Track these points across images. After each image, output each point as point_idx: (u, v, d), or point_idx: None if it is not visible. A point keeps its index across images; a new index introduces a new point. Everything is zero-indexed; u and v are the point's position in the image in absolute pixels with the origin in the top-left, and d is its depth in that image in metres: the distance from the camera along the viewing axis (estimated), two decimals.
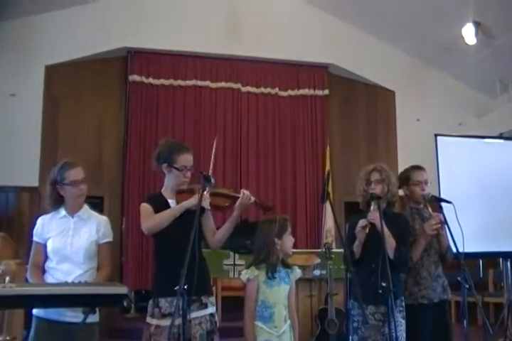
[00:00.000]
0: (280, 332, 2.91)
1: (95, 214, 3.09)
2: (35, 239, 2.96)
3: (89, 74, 7.67)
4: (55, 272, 2.88)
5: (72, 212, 2.99)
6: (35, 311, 2.85)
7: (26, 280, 2.95)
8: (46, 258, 2.93)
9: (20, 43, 7.24)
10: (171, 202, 2.91)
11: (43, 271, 2.93)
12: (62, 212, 2.98)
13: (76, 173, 2.95)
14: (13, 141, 7.02)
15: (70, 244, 2.90)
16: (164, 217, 2.77)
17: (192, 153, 2.96)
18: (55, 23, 7.40)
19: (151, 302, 2.82)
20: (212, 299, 2.89)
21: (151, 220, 2.80)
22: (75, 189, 2.94)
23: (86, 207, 3.06)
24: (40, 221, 3.00)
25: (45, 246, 2.92)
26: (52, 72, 7.43)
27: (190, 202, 2.74)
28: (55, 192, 2.96)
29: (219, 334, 2.83)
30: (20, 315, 4.32)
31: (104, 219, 3.09)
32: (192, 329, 2.69)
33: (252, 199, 2.85)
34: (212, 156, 3.13)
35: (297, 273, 3.10)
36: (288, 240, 3.04)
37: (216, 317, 2.86)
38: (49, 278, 2.88)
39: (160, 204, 2.90)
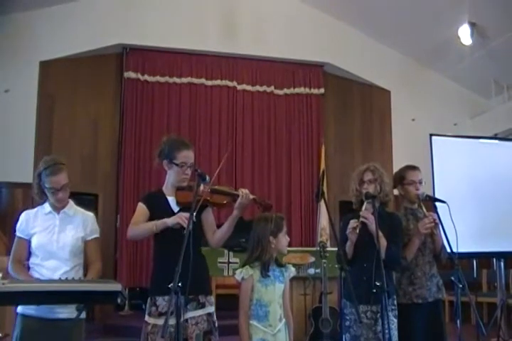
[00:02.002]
0: (275, 330, 2.91)
1: (81, 210, 3.06)
2: (18, 234, 2.93)
3: (85, 70, 7.64)
4: (40, 268, 2.85)
5: (57, 208, 2.96)
6: (19, 309, 2.82)
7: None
8: (29, 254, 2.90)
9: (15, 39, 7.20)
10: (171, 199, 2.91)
11: (27, 268, 2.90)
12: (48, 207, 2.95)
13: (56, 181, 2.86)
14: (7, 137, 6.99)
15: (55, 240, 2.88)
16: (144, 230, 2.80)
17: (193, 150, 2.96)
18: (50, 18, 7.36)
19: (148, 300, 2.81)
20: (211, 298, 2.86)
21: (132, 229, 2.83)
22: (53, 197, 2.90)
23: (71, 202, 3.03)
24: (24, 216, 2.96)
25: (28, 241, 2.90)
26: (46, 68, 7.40)
27: (173, 220, 2.69)
28: (40, 187, 2.92)
29: (217, 334, 2.81)
30: (12, 312, 4.31)
31: (90, 215, 3.07)
32: (188, 329, 2.68)
33: (252, 197, 2.83)
34: (223, 161, 3.14)
35: (291, 271, 3.09)
36: (283, 239, 3.04)
37: (215, 317, 2.83)
38: (35, 275, 2.85)
39: (158, 202, 2.89)
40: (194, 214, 2.62)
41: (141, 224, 2.82)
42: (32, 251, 2.89)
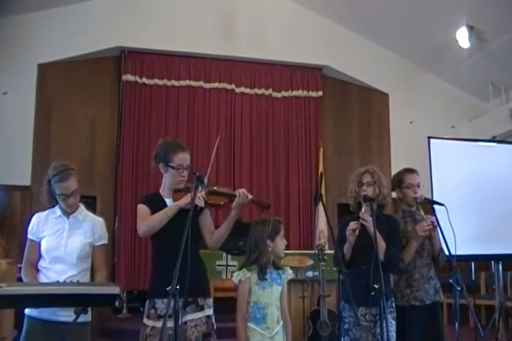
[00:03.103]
0: (273, 333, 2.91)
1: (91, 215, 3.06)
2: (29, 236, 2.93)
3: (83, 73, 7.65)
4: (47, 272, 2.86)
5: (67, 212, 2.97)
6: (27, 311, 2.83)
7: (20, 280, 2.92)
8: (40, 256, 2.91)
9: (13, 41, 7.20)
10: (168, 201, 2.90)
11: (37, 270, 2.90)
12: (58, 211, 2.95)
13: (66, 187, 2.87)
14: (4, 139, 6.98)
15: (64, 245, 2.88)
16: (158, 219, 2.75)
17: (189, 152, 2.95)
18: (49, 21, 7.37)
19: (147, 303, 2.80)
20: (210, 301, 2.86)
21: (145, 223, 2.77)
22: (64, 202, 2.91)
23: (82, 207, 3.04)
24: (35, 219, 2.96)
25: (39, 244, 2.90)
26: (45, 70, 7.40)
27: (184, 201, 2.71)
28: (51, 193, 2.93)
29: (216, 337, 2.81)
30: (10, 315, 4.31)
31: (99, 221, 3.07)
32: (188, 331, 2.68)
33: (250, 197, 2.83)
34: (213, 155, 3.14)
35: (289, 273, 3.10)
36: (280, 242, 3.04)
37: (213, 320, 2.82)
38: (42, 278, 2.86)
39: (157, 204, 2.88)
40: (202, 192, 2.68)
41: (150, 218, 2.78)
42: (41, 254, 2.90)
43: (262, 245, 2.97)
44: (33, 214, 3.01)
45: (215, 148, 2.95)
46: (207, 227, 2.93)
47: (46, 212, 2.98)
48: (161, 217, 2.75)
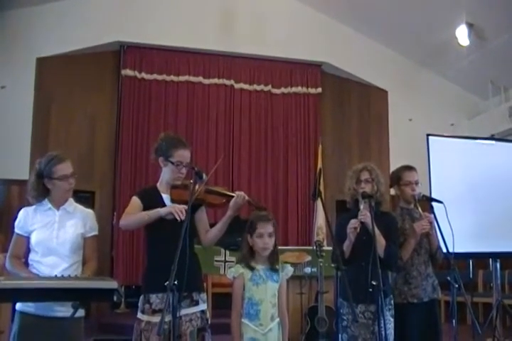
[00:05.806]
0: (266, 330, 2.86)
1: (80, 207, 3.05)
2: (16, 231, 2.91)
3: (82, 67, 7.62)
4: (38, 265, 2.82)
5: (57, 204, 2.94)
6: (17, 306, 2.80)
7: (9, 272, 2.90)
8: (28, 250, 2.88)
9: (12, 35, 7.19)
10: (165, 196, 2.90)
11: (26, 264, 2.88)
12: (47, 204, 2.93)
13: (65, 168, 2.90)
14: (3, 133, 6.97)
15: (55, 236, 2.86)
16: (138, 219, 2.76)
17: (190, 150, 2.95)
18: (48, 15, 7.35)
19: (141, 298, 2.80)
20: (204, 296, 2.87)
21: (127, 218, 2.79)
22: (65, 183, 2.90)
23: (71, 199, 3.01)
24: (22, 213, 2.94)
25: (27, 238, 2.88)
26: (43, 64, 7.38)
27: (166, 210, 2.69)
28: (40, 185, 2.90)
29: (210, 331, 2.82)
30: (8, 309, 4.29)
31: (89, 212, 3.06)
32: (182, 326, 2.68)
33: (247, 198, 2.85)
34: (214, 168, 3.13)
35: (289, 270, 3.04)
36: (257, 241, 2.92)
37: (208, 314, 2.84)
38: (33, 272, 2.82)
39: (152, 199, 2.88)
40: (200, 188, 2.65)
41: (132, 215, 2.80)
42: (31, 247, 2.87)
43: (244, 241, 2.96)
44: (20, 209, 2.99)
45: (216, 165, 2.93)
46: (202, 224, 2.95)
47: (34, 206, 2.95)
48: (141, 217, 2.75)
